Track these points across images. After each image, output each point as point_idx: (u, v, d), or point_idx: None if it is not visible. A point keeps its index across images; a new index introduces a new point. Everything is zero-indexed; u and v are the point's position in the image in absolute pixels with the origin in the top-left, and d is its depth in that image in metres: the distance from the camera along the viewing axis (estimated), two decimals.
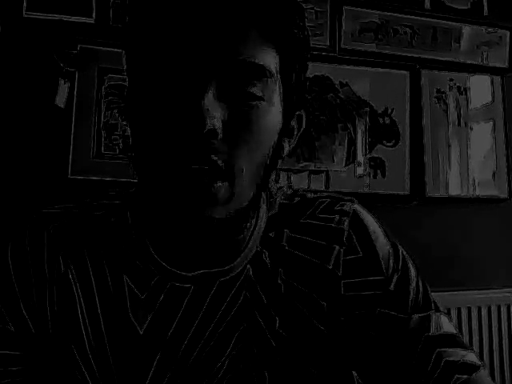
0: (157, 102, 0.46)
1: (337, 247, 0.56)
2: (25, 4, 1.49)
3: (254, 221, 0.56)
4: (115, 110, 1.55)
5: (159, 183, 0.46)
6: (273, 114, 0.49)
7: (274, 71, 0.48)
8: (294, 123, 0.55)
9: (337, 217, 0.58)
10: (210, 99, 0.44)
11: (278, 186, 0.63)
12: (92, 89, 1.54)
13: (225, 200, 0.46)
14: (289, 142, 0.55)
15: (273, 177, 0.52)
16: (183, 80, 0.45)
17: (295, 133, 0.56)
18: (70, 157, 1.49)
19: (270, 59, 0.47)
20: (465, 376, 0.54)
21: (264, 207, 0.58)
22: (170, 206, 0.46)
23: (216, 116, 0.44)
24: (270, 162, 0.50)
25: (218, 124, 0.44)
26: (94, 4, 1.55)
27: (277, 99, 0.49)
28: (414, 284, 0.58)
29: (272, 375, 0.52)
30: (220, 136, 0.44)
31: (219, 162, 0.45)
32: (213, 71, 0.44)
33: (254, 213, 0.55)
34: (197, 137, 0.43)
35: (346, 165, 1.77)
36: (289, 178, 1.70)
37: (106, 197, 0.59)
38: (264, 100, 0.47)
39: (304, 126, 0.57)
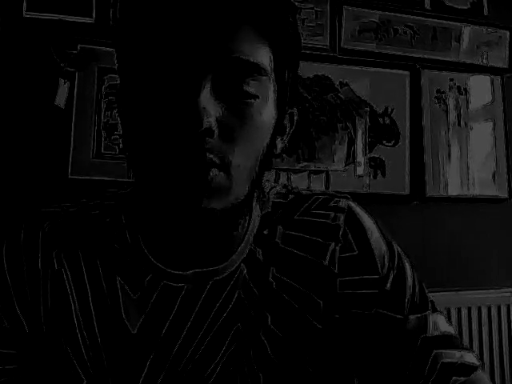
0: (150, 99, 0.46)
1: (332, 244, 0.56)
2: (25, 4, 1.50)
3: (247, 218, 0.55)
4: (115, 110, 1.55)
5: (155, 179, 0.46)
6: (267, 112, 0.49)
7: (268, 69, 0.48)
8: (286, 121, 0.55)
9: (332, 213, 0.57)
10: (205, 96, 0.44)
11: (271, 185, 0.62)
12: (92, 89, 1.54)
13: (221, 190, 0.46)
14: (281, 139, 0.55)
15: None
16: (178, 77, 0.45)
17: (287, 131, 0.56)
18: (70, 157, 1.50)
19: (264, 57, 0.47)
20: (462, 378, 0.54)
21: (257, 206, 0.57)
22: (166, 199, 0.46)
23: (212, 114, 0.44)
24: (265, 159, 0.50)
25: (214, 122, 0.44)
26: (93, 4, 1.55)
27: (271, 97, 0.49)
28: (410, 283, 0.57)
29: (267, 376, 0.52)
30: (216, 134, 0.44)
31: (215, 159, 0.45)
32: (208, 68, 0.44)
33: (248, 211, 0.54)
34: (193, 135, 0.43)
35: (346, 165, 1.77)
36: (289, 177, 1.70)
37: (101, 197, 0.59)
38: (259, 98, 0.47)
39: (295, 124, 0.57)
